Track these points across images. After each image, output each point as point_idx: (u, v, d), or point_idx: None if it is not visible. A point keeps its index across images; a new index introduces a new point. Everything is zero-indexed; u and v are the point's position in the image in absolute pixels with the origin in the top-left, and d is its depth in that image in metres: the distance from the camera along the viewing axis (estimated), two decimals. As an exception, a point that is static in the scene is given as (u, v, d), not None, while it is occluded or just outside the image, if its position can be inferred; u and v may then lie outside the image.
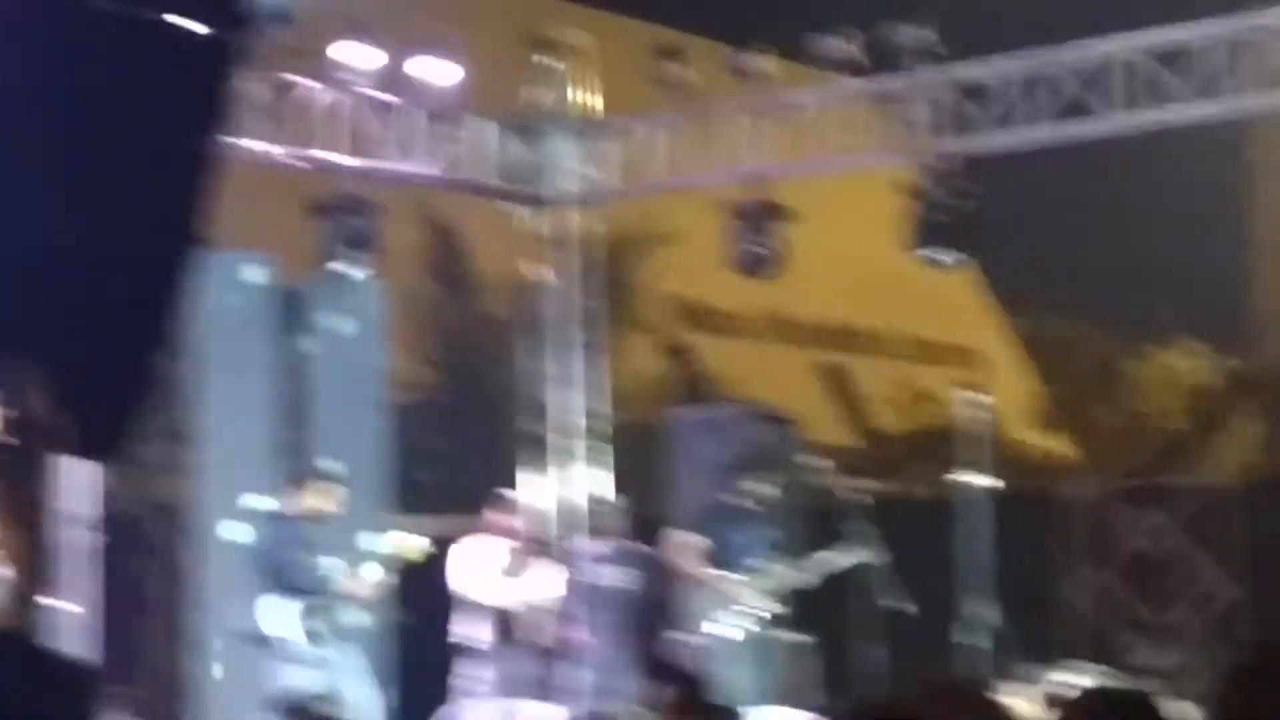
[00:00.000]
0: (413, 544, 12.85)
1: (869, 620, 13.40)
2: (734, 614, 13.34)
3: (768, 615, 13.42)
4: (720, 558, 13.44)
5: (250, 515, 13.47)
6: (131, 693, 13.90)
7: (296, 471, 12.95)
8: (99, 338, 5.86)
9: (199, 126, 5.85)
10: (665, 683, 7.35)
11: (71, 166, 5.60)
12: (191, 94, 5.80)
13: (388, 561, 12.84)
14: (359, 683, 12.55)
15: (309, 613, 12.27)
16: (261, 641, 12.33)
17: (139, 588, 16.05)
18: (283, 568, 12.35)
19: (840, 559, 13.34)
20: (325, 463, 13.18)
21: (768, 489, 13.52)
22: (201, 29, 5.86)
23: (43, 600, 10.49)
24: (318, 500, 12.53)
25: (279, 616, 12.23)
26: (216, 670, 13.86)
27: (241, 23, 6.28)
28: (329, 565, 12.56)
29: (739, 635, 13.31)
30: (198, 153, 5.89)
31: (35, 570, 8.85)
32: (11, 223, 5.70)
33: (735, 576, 13.39)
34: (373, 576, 12.73)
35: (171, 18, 5.82)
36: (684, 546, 13.61)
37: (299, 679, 11.73)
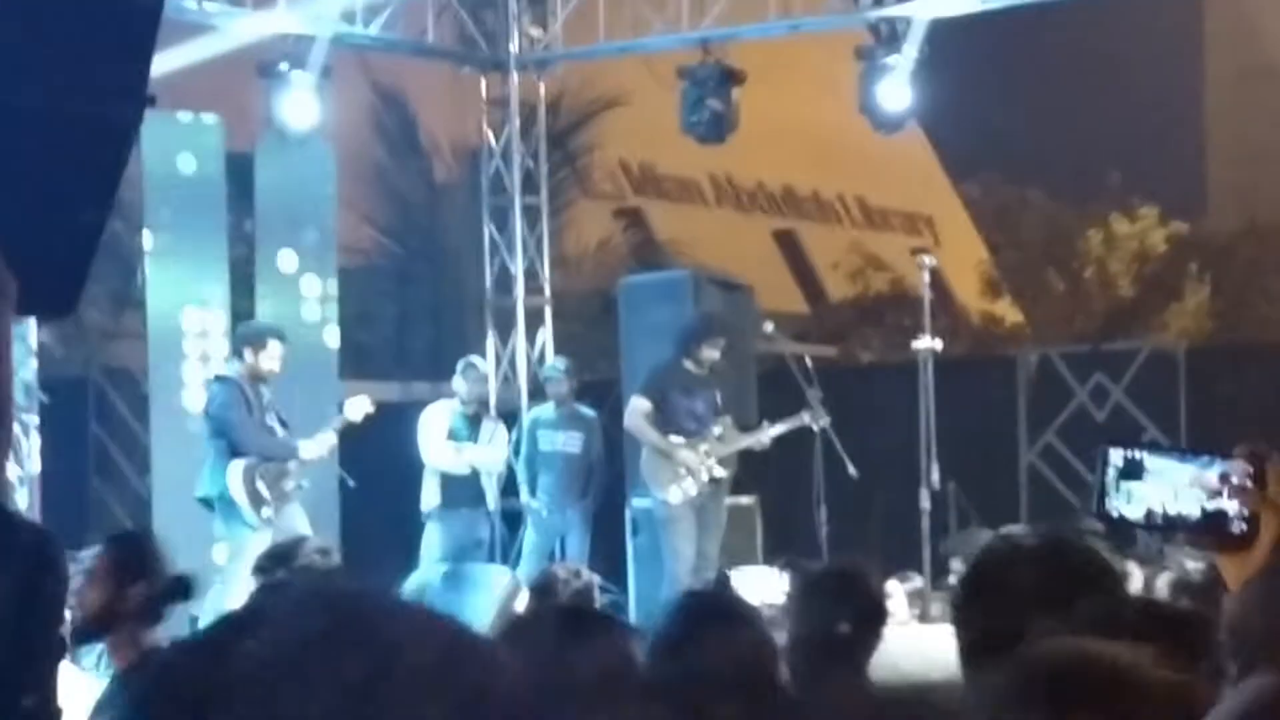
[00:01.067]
0: (356, 407, 12.85)
1: (814, 484, 13.49)
2: (681, 478, 13.39)
3: (715, 479, 13.48)
4: (668, 422, 13.47)
5: (201, 379, 13.46)
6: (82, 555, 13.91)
7: (246, 334, 12.89)
8: (38, 196, 5.81)
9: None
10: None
11: (7, 22, 5.52)
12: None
13: (336, 424, 12.84)
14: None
15: (259, 475, 12.27)
16: (213, 504, 12.34)
17: (87, 450, 16.07)
18: (233, 431, 12.33)
19: (787, 423, 13.40)
20: (273, 325, 13.13)
21: (716, 354, 13.52)
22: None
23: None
24: (267, 362, 12.49)
25: (230, 479, 12.23)
26: (167, 533, 13.86)
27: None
28: (279, 428, 12.55)
29: (686, 499, 13.36)
30: (139, 5, 5.81)
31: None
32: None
33: (683, 440, 13.44)
34: (322, 439, 12.74)
35: None
36: (632, 410, 13.64)
37: (251, 542, 11.72)
